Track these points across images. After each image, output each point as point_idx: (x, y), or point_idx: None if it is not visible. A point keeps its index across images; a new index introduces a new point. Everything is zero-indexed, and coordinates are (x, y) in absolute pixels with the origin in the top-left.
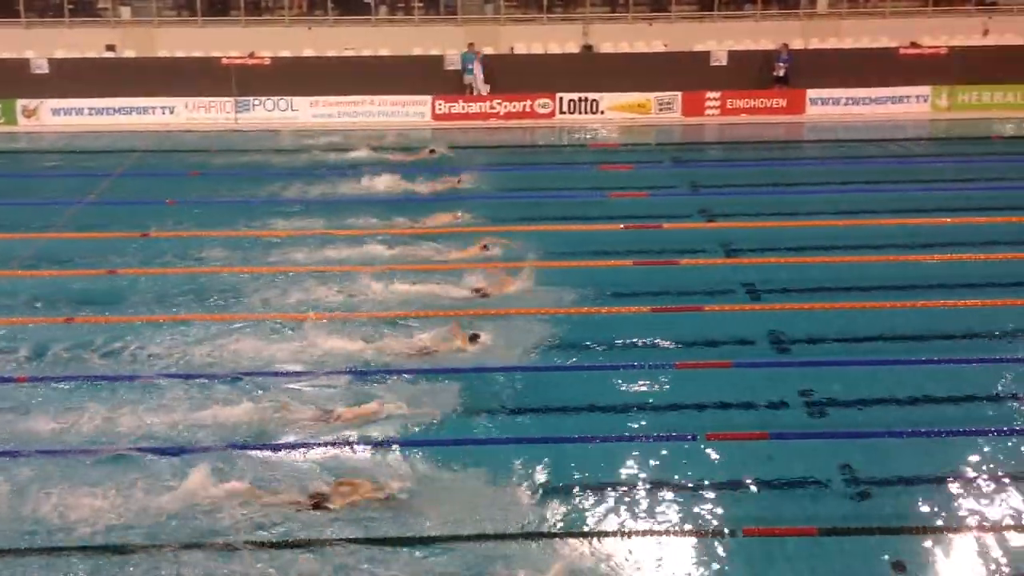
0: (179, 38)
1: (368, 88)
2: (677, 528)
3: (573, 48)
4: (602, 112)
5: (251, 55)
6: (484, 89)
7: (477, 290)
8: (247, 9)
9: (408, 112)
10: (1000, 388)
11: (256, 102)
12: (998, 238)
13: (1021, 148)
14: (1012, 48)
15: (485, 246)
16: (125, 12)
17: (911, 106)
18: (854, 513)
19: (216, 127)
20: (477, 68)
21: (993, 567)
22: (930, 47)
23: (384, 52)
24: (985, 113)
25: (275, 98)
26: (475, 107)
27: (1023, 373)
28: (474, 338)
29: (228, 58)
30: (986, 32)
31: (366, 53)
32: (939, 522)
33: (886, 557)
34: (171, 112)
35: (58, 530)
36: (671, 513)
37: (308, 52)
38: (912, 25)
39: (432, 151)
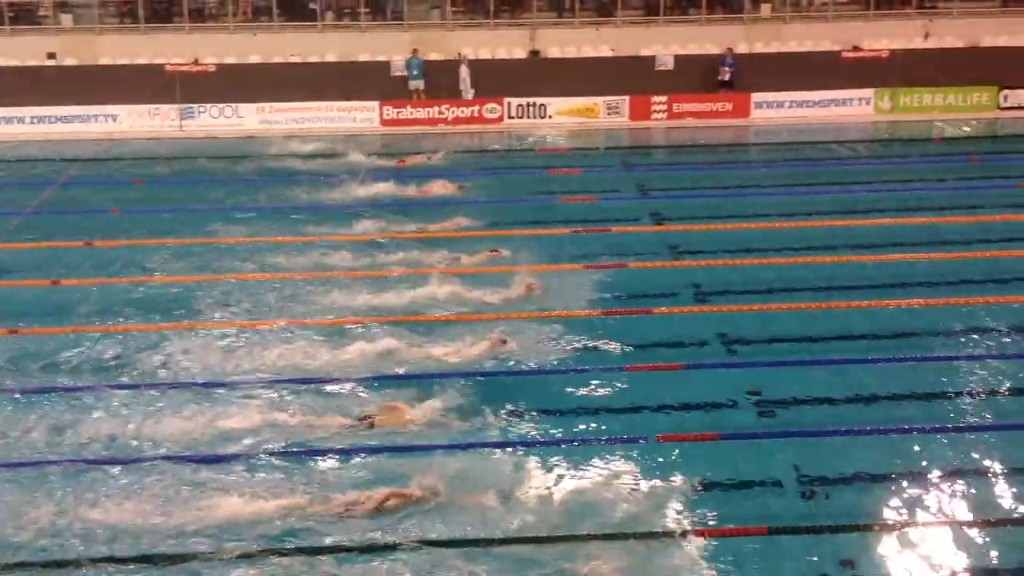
0: (121, 45)
1: (315, 94)
2: (629, 529)
3: (521, 53)
4: (550, 117)
5: (195, 62)
6: (470, 94)
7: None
8: (191, 16)
9: (356, 118)
10: (949, 386)
11: (201, 109)
12: (943, 238)
13: (962, 149)
14: (952, 51)
15: (496, 250)
16: (66, 19)
17: (854, 109)
18: (804, 512)
19: (160, 135)
20: (464, 72)
21: (941, 564)
22: (872, 50)
23: (330, 58)
24: (927, 115)
25: (220, 105)
26: (423, 112)
27: (970, 370)
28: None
29: (172, 65)
30: (927, 35)
31: (312, 59)
32: (889, 520)
33: (835, 556)
34: (114, 120)
35: (104, 541)
36: (622, 515)
37: (254, 59)
38: (854, 29)
39: (428, 157)
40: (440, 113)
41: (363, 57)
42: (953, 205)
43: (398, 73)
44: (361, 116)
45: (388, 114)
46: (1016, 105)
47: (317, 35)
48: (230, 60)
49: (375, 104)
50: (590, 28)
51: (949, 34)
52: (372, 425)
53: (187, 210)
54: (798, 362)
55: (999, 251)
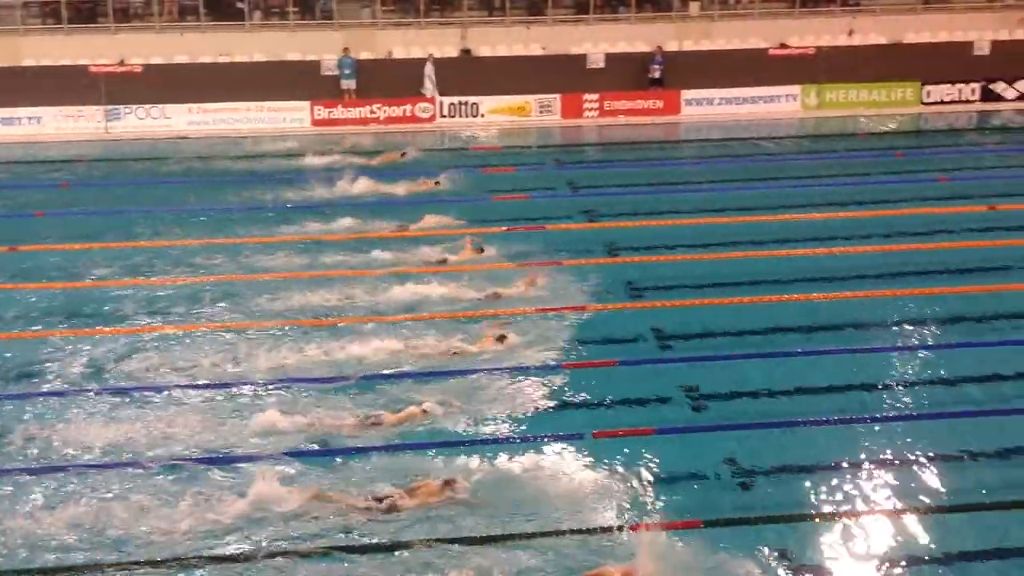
0: (45, 46)
1: (244, 95)
2: (565, 527)
3: (452, 52)
4: (483, 115)
5: (121, 63)
6: (434, 93)
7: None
8: (116, 16)
9: (286, 118)
10: (880, 376)
11: (127, 110)
12: (870, 231)
13: (886, 144)
14: (876, 47)
15: (480, 248)
16: None
17: (782, 105)
18: (739, 504)
19: (86, 137)
20: (429, 69)
21: (876, 552)
22: (798, 47)
23: (259, 58)
24: (852, 111)
25: (147, 106)
26: (355, 112)
27: (900, 361)
28: (502, 338)
29: (97, 66)
30: (851, 32)
31: (241, 59)
32: (824, 510)
33: (771, 546)
34: (38, 122)
35: (130, 545)
36: (559, 512)
37: (181, 59)
38: (781, 26)
39: (403, 154)
40: (372, 113)
41: (292, 56)
42: (879, 199)
43: (329, 72)
44: (291, 116)
45: (319, 114)
46: (938, 100)
47: (245, 34)
48: (157, 60)
49: (306, 104)
50: (521, 27)
51: (873, 31)
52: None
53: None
54: (732, 356)
55: (925, 244)
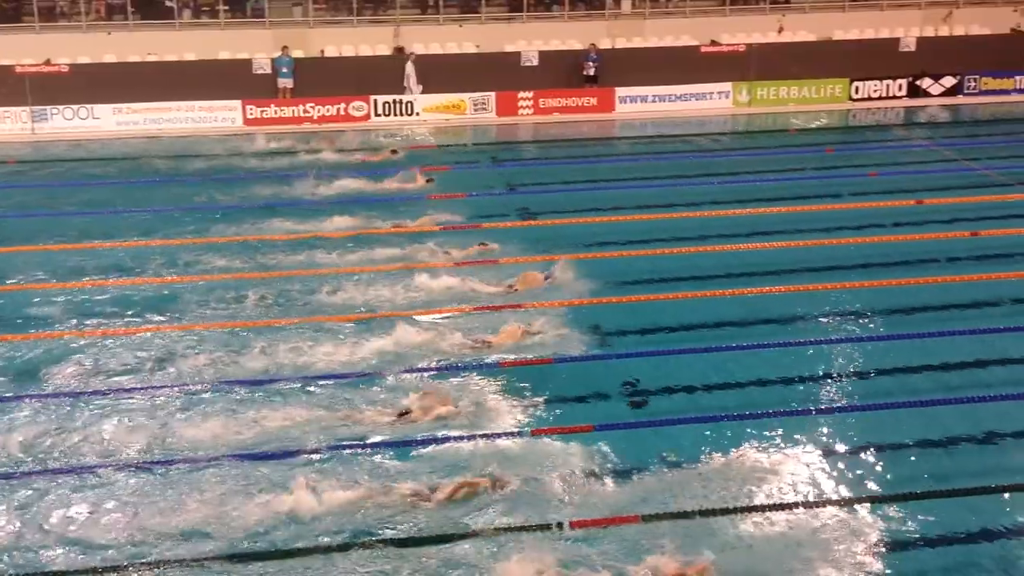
0: None
1: (175, 94)
2: (506, 524)
3: (385, 50)
4: (417, 114)
5: (47, 62)
6: (417, 90)
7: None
8: (41, 15)
9: (217, 118)
10: (815, 368)
11: (54, 111)
12: (802, 226)
13: (817, 140)
14: (805, 44)
15: (483, 243)
16: None
17: (714, 102)
18: (678, 498)
19: (10, 139)
20: (409, 68)
21: (813, 544)
22: (729, 45)
23: (190, 57)
24: (783, 107)
25: (75, 106)
26: (288, 111)
27: (836, 353)
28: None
29: (22, 66)
30: (781, 30)
31: (170, 58)
32: (763, 503)
33: (711, 542)
34: None
35: (167, 543)
36: (500, 510)
37: (109, 58)
38: (712, 24)
39: (394, 151)
40: (305, 112)
41: (224, 55)
42: (811, 194)
43: (261, 71)
44: (223, 116)
45: (252, 113)
46: (866, 96)
47: (175, 33)
48: (84, 60)
49: (237, 103)
50: (454, 25)
51: (802, 28)
52: (409, 415)
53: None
54: (671, 351)
55: (856, 238)
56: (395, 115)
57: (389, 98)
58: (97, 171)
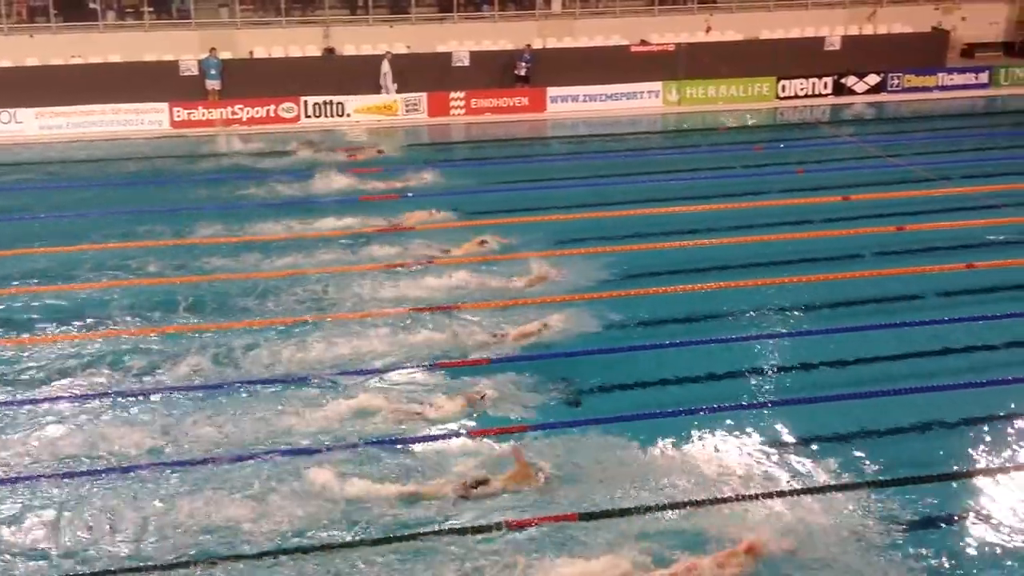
0: None
1: (99, 97)
2: (445, 527)
3: (315, 51)
4: (348, 115)
5: None
6: (392, 88)
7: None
8: None
9: (144, 120)
10: (746, 363)
11: None
12: (733, 223)
13: (746, 138)
14: (733, 43)
15: (483, 241)
16: None
17: (644, 101)
18: (614, 497)
19: None
20: (385, 67)
21: (730, 538)
22: (659, 44)
23: (115, 59)
24: (712, 106)
25: None
26: (216, 113)
27: (766, 348)
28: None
29: None
30: (708, 29)
31: (95, 60)
32: (700, 497)
33: (644, 538)
34: None
35: (219, 538)
36: (435, 512)
37: (31, 61)
38: (641, 24)
39: (380, 151)
40: (234, 113)
41: (149, 57)
42: (741, 191)
43: (188, 73)
44: (150, 118)
45: (179, 115)
46: (793, 95)
47: (99, 35)
48: (5, 63)
49: (164, 106)
50: (384, 25)
51: (730, 28)
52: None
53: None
54: (605, 350)
55: (786, 234)
56: (326, 116)
57: (320, 99)
58: (19, 176)
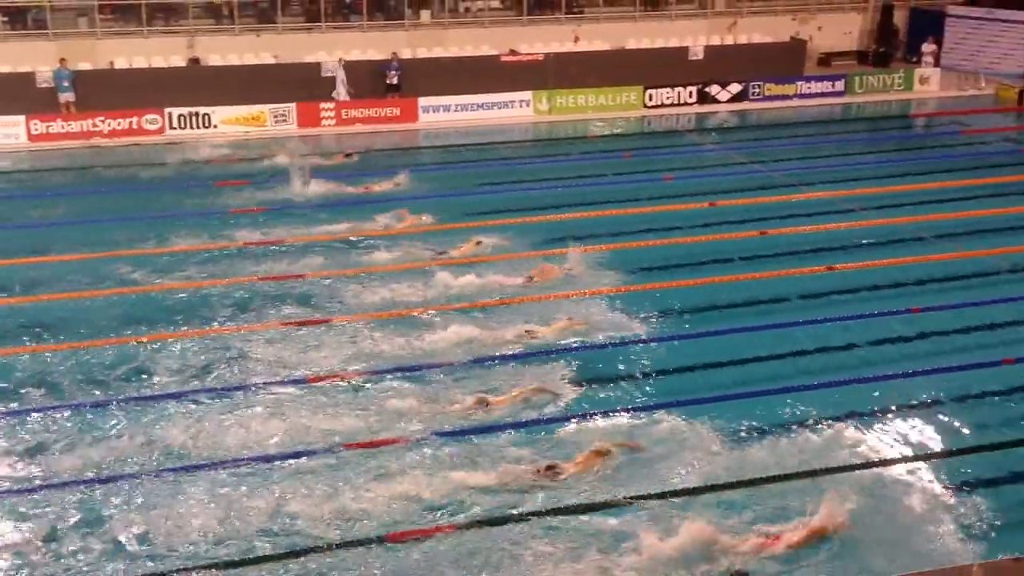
0: None
1: None
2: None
3: (179, 61)
4: (215, 126)
5: None
6: (345, 96)
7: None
8: None
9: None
10: (623, 369)
11: None
12: (603, 230)
13: (616, 146)
14: (601, 53)
15: (479, 242)
16: None
17: (515, 111)
18: (501, 505)
19: None
20: (341, 73)
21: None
22: (528, 54)
23: None
24: (582, 115)
25: None
26: (76, 126)
27: (636, 354)
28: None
29: None
30: (576, 39)
31: None
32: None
33: (531, 543)
34: None
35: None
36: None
37: None
38: (510, 34)
39: (348, 155)
40: (95, 126)
41: (4, 69)
42: (611, 199)
43: (45, 85)
44: (5, 132)
45: (36, 129)
46: (660, 103)
47: None
48: None
49: (20, 119)
50: (251, 35)
51: (597, 38)
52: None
53: None
54: (511, 356)
55: (654, 240)
56: (191, 128)
57: (184, 110)
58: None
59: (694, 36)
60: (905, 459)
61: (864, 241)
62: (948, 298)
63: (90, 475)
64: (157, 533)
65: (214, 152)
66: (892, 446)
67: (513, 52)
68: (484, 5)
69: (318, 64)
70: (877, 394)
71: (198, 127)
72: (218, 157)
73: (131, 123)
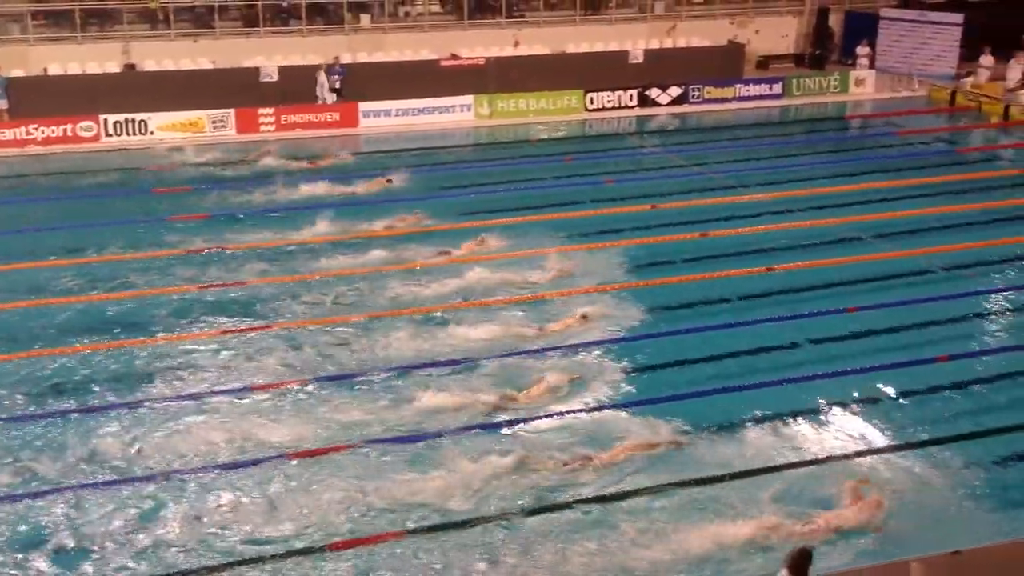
0: None
1: None
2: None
3: (114, 68)
4: (152, 132)
5: None
6: (330, 99)
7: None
8: None
9: None
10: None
11: None
12: (543, 234)
13: (557, 150)
14: (541, 57)
15: (482, 240)
16: None
17: (457, 115)
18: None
19: None
20: (322, 78)
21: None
22: (469, 59)
23: None
24: (523, 119)
25: None
26: (9, 134)
27: (584, 356)
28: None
29: None
30: (517, 43)
31: None
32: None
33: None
34: None
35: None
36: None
37: None
38: (451, 38)
39: (389, 180)
40: (28, 134)
41: None
42: (553, 203)
43: None
44: None
45: None
46: (600, 107)
47: None
48: None
49: None
50: (188, 40)
51: (537, 42)
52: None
53: None
54: (429, 364)
55: (596, 243)
56: (127, 134)
57: (120, 117)
58: None
59: (634, 40)
60: (845, 456)
61: (803, 242)
62: (884, 297)
63: (23, 490)
64: (98, 545)
65: (152, 159)
66: (832, 442)
67: (454, 56)
68: (424, 9)
69: (257, 69)
70: (815, 393)
71: (134, 134)
72: (155, 164)
73: (66, 130)
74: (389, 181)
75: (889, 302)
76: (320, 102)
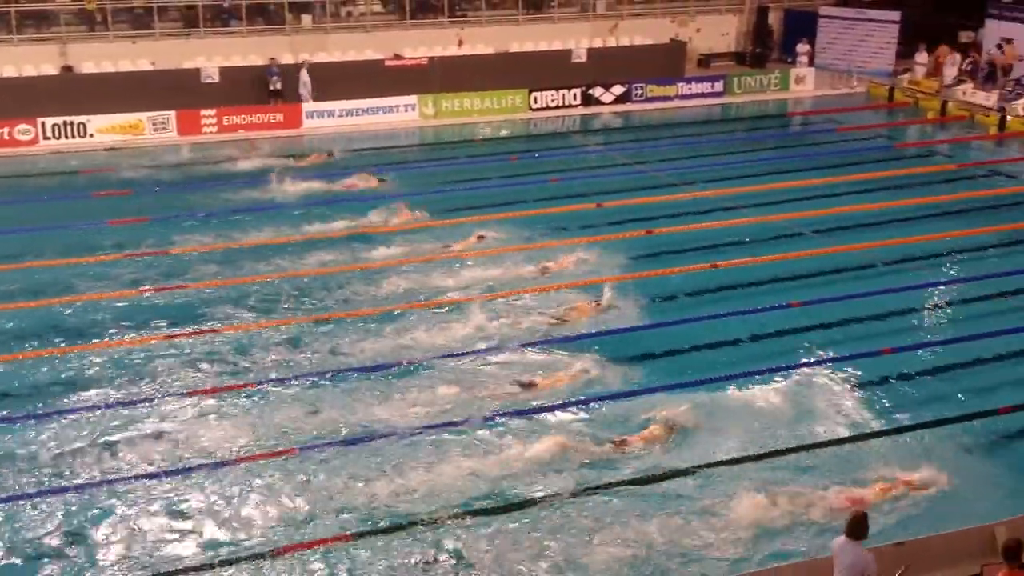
0: None
1: None
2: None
3: (51, 70)
4: (91, 135)
5: None
6: (311, 99)
7: None
8: None
9: None
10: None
11: None
12: (486, 233)
13: (501, 149)
14: (484, 57)
15: (480, 237)
16: None
17: (401, 115)
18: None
19: None
20: (305, 76)
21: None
22: (412, 59)
23: None
24: (468, 118)
25: None
26: None
27: (531, 355)
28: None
29: None
30: (460, 43)
31: None
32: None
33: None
34: None
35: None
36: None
37: None
38: (394, 38)
39: (330, 154)
40: None
41: None
42: (498, 203)
43: None
44: None
45: None
46: (544, 106)
47: None
48: None
49: None
50: (127, 41)
51: (480, 41)
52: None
53: None
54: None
55: (542, 243)
56: (66, 138)
57: (58, 120)
58: None
59: (577, 39)
60: (789, 450)
61: (746, 238)
62: (827, 291)
63: None
64: (50, 554)
65: (91, 162)
66: (779, 439)
67: (397, 56)
68: (366, 9)
69: (197, 70)
70: (762, 387)
71: (73, 137)
72: (93, 166)
73: (2, 134)
74: (382, 180)
75: (832, 296)
76: (304, 101)
